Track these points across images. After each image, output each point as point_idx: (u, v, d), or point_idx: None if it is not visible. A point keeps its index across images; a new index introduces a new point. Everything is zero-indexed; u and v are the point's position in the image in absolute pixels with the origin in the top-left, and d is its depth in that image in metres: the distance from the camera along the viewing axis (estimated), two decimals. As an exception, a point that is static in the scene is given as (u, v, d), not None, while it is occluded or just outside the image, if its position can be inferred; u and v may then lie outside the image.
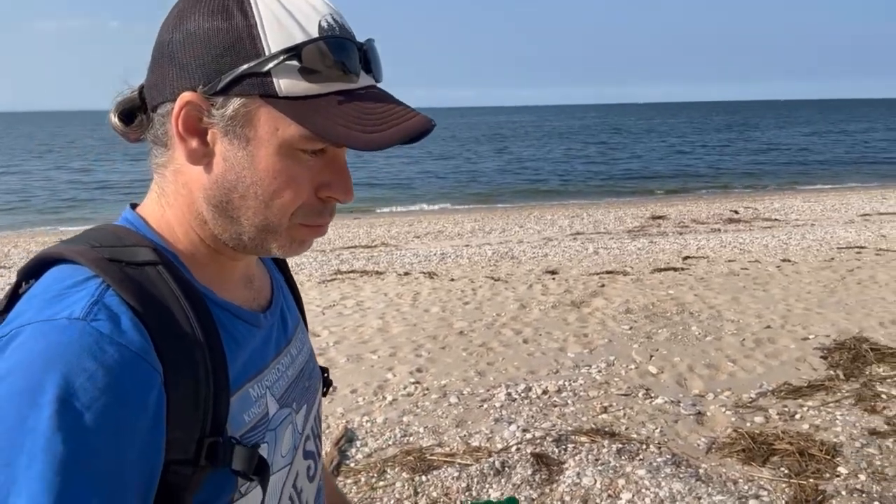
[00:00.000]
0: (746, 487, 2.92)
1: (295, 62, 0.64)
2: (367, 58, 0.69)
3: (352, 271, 8.28)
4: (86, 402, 0.56)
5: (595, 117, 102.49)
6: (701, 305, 5.98)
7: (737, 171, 24.84)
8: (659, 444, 3.32)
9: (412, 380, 4.33)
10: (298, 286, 0.98)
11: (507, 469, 2.99)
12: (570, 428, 3.48)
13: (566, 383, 4.19)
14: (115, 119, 0.75)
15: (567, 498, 2.76)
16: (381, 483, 2.98)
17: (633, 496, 2.73)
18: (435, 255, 9.36)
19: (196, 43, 0.66)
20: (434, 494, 2.87)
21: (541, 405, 3.86)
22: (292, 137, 0.66)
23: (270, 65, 0.64)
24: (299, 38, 0.64)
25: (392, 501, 2.84)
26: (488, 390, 4.10)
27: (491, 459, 3.07)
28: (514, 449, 3.22)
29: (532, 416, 3.69)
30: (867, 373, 4.23)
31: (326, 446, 3.30)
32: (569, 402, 3.91)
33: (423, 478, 2.97)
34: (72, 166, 28.96)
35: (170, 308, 0.64)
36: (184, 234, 0.73)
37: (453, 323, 5.69)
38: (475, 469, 3.00)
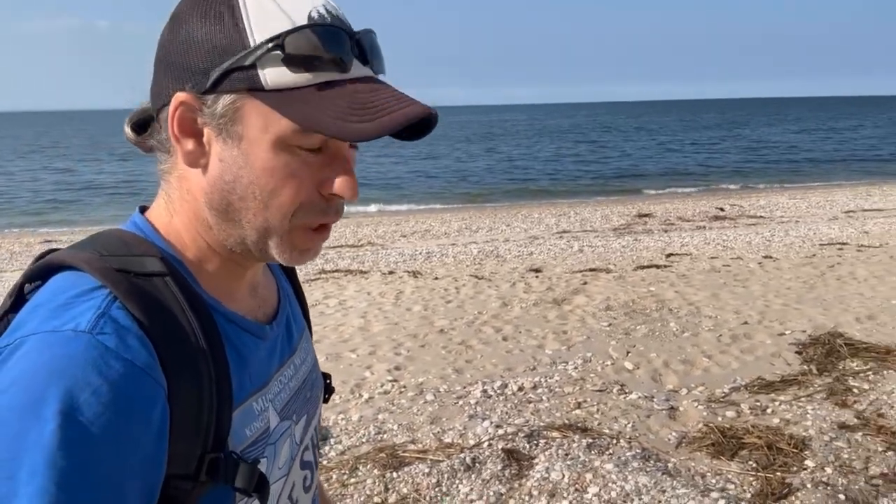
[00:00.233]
0: (714, 481, 2.95)
1: (279, 52, 0.62)
2: (361, 47, 0.66)
3: (336, 270, 8.29)
4: (89, 416, 0.55)
5: (586, 116, 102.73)
6: (681, 302, 6.02)
7: (726, 169, 24.97)
8: (630, 438, 3.36)
9: (390, 378, 4.35)
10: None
11: (477, 465, 3.02)
12: (542, 424, 3.51)
13: (542, 380, 4.21)
14: (128, 130, 0.75)
15: (535, 492, 2.79)
16: (353, 480, 3.00)
17: (600, 490, 2.75)
18: (420, 254, 9.38)
19: (187, 43, 0.65)
20: (404, 490, 2.89)
21: (516, 401, 3.88)
22: (284, 132, 0.64)
23: (254, 56, 0.63)
24: (285, 28, 0.63)
25: (362, 498, 2.85)
26: (465, 387, 4.13)
27: (462, 455, 3.10)
28: (485, 445, 3.24)
29: (506, 413, 3.71)
30: (840, 367, 4.27)
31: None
32: (543, 398, 3.94)
33: (394, 474, 2.98)
34: (57, 166, 28.81)
35: (176, 321, 0.63)
36: (191, 241, 0.72)
37: (434, 321, 5.71)
38: (446, 465, 3.02)
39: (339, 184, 0.67)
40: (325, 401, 0.94)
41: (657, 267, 7.70)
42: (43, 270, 0.66)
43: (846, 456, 3.17)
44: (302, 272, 8.24)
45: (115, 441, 0.56)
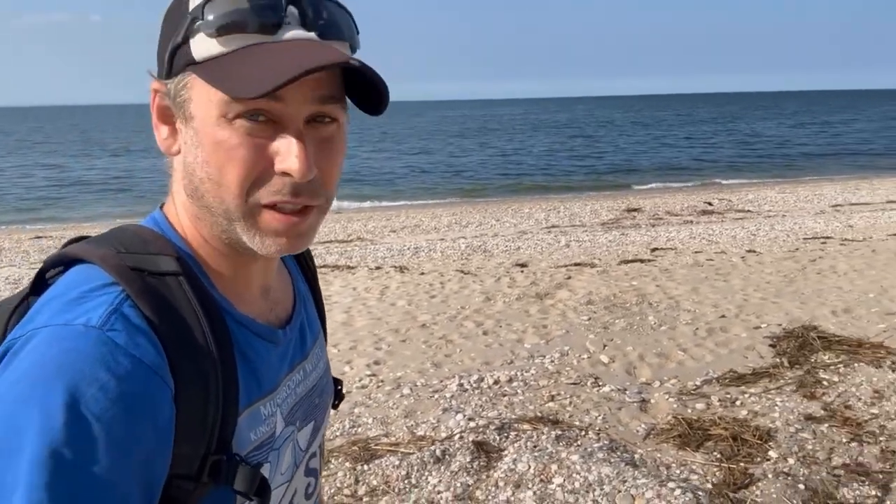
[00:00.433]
0: (678, 471, 3.01)
1: (199, 20, 0.62)
2: (303, 11, 0.64)
3: (323, 266, 8.32)
4: (96, 412, 0.55)
5: (583, 110, 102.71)
6: (661, 296, 6.09)
7: (719, 164, 25.04)
8: (599, 430, 3.42)
9: (368, 372, 4.40)
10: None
11: (447, 457, 3.07)
12: (514, 416, 3.57)
13: (518, 373, 4.27)
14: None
15: (501, 483, 2.85)
16: (324, 473, 3.05)
17: (564, 480, 2.81)
18: (408, 249, 9.43)
19: (159, 33, 0.67)
20: (374, 482, 2.94)
21: (491, 395, 3.94)
22: (220, 104, 0.62)
23: (184, 30, 0.63)
24: None
25: (332, 490, 2.91)
26: (441, 381, 4.18)
27: (433, 448, 3.15)
28: (457, 437, 3.30)
29: (480, 406, 3.77)
30: (812, 360, 4.34)
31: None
32: (518, 391, 4.00)
33: (365, 467, 3.04)
34: (48, 162, 28.77)
35: (186, 323, 0.63)
36: (193, 236, 0.71)
37: (417, 316, 5.76)
38: (416, 458, 3.08)
39: (283, 158, 0.63)
40: (335, 407, 0.94)
41: (641, 261, 7.77)
42: (63, 260, 0.67)
43: (810, 447, 3.24)
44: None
45: (119, 437, 0.56)
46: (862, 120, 52.06)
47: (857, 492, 2.88)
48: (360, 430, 3.53)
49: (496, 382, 4.12)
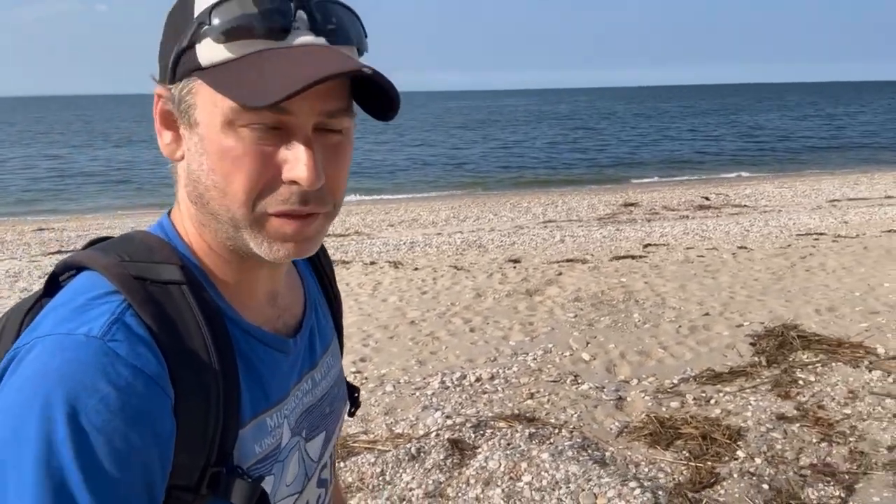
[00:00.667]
0: (646, 470, 3.08)
1: (207, 25, 0.61)
2: (311, 15, 0.63)
3: (318, 261, 8.41)
4: (96, 423, 0.55)
5: (586, 101, 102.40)
6: (648, 293, 6.14)
7: (721, 157, 25.00)
8: (573, 428, 3.49)
9: (353, 369, 4.48)
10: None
11: (422, 454, 3.15)
12: (491, 414, 3.64)
13: (500, 371, 4.34)
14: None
15: (472, 481, 2.93)
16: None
17: (532, 478, 2.89)
18: (404, 244, 9.50)
19: (164, 38, 0.66)
20: (349, 479, 3.02)
21: (471, 392, 4.02)
22: (227, 111, 0.61)
23: (190, 35, 0.62)
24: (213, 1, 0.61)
25: (309, 486, 2.99)
26: (424, 379, 4.26)
27: (409, 445, 3.23)
28: (433, 435, 3.38)
29: (460, 403, 3.85)
30: (790, 359, 4.39)
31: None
32: (499, 388, 4.07)
33: (342, 464, 3.12)
34: (52, 153, 28.89)
35: (188, 332, 0.63)
36: (197, 243, 0.71)
37: (407, 312, 5.83)
38: (391, 455, 3.15)
39: (292, 167, 0.62)
40: (352, 414, 0.92)
41: (632, 257, 7.82)
42: (73, 265, 0.68)
43: (779, 447, 3.30)
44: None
45: (120, 449, 0.56)
46: (867, 112, 51.82)
47: (822, 492, 2.94)
48: (340, 426, 3.61)
49: (478, 380, 4.20)
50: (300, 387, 0.78)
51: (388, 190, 18.04)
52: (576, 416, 3.67)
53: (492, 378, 4.23)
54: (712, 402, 3.82)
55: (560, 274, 7.07)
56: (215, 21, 0.61)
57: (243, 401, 0.68)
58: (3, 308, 5.65)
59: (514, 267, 7.54)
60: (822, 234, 8.99)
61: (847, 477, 3.04)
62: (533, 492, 2.80)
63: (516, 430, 3.36)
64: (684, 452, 3.23)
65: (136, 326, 0.61)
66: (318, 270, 0.91)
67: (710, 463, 3.13)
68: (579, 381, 4.18)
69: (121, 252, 0.67)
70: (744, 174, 20.00)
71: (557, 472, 2.89)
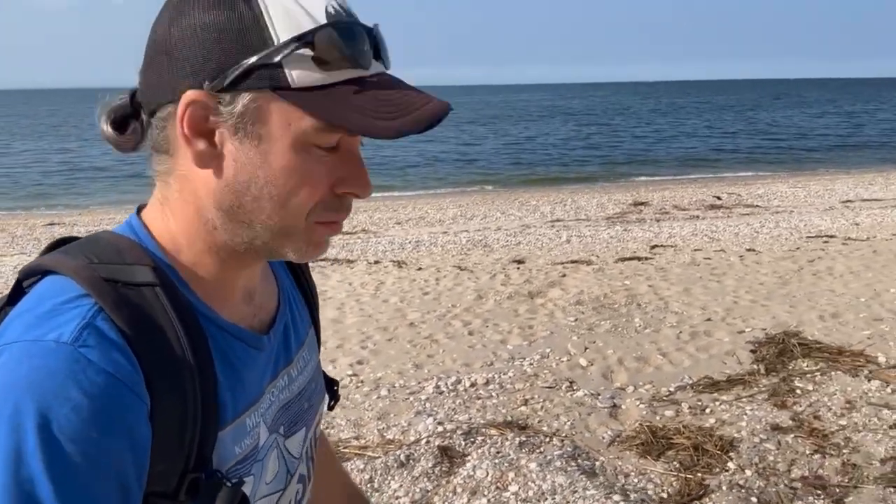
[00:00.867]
0: (636, 481, 3.07)
1: (307, 50, 0.62)
2: (376, 44, 0.66)
3: (324, 259, 8.42)
4: (68, 432, 0.54)
5: (601, 97, 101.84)
6: (651, 297, 6.11)
7: (736, 155, 24.77)
8: (565, 436, 3.48)
9: (350, 372, 4.49)
10: None
11: (411, 461, 3.16)
12: (482, 421, 3.64)
13: (496, 376, 4.34)
14: (108, 128, 0.71)
15: (459, 490, 2.93)
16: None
17: (519, 489, 2.89)
18: (410, 242, 9.50)
19: (198, 37, 0.63)
20: (338, 485, 3.03)
21: (465, 398, 4.02)
22: (306, 131, 0.63)
23: (281, 55, 0.61)
24: (308, 25, 0.62)
25: (297, 492, 3.01)
26: (419, 383, 4.26)
27: (399, 452, 3.24)
28: (423, 442, 3.38)
29: (453, 409, 3.85)
30: (790, 367, 4.35)
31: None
32: (493, 394, 4.07)
33: (331, 469, 3.13)
34: (65, 147, 29.10)
35: (163, 335, 0.62)
36: (188, 245, 0.70)
37: (407, 314, 5.84)
38: (381, 461, 3.16)
39: (356, 183, 0.68)
40: (331, 408, 0.92)
41: (638, 259, 7.78)
42: (38, 270, 0.66)
43: (771, 458, 3.28)
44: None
45: (94, 458, 0.55)
46: (887, 110, 51.12)
47: (812, 505, 2.92)
48: (332, 431, 3.62)
49: (473, 385, 4.20)
50: (276, 383, 0.78)
51: (397, 187, 18.04)
52: (569, 423, 3.66)
53: (487, 383, 4.23)
54: (707, 411, 3.79)
55: (564, 276, 7.05)
56: (317, 47, 0.62)
57: (224, 402, 0.67)
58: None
59: (518, 268, 7.52)
60: (832, 236, 8.89)
61: (838, 490, 3.01)
62: (519, 502, 2.80)
63: (507, 438, 3.35)
64: (675, 463, 3.21)
65: (108, 331, 0.59)
66: (291, 263, 0.90)
67: (699, 474, 3.11)
68: (575, 387, 4.16)
69: (89, 254, 0.65)
70: (758, 173, 19.82)
71: (544, 483, 2.89)
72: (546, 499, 2.79)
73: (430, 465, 3.11)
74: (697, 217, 11.76)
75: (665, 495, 2.94)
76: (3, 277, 7.35)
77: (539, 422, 3.68)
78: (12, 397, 0.55)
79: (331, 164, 0.66)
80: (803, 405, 3.82)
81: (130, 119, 0.71)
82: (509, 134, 36.34)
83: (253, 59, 0.61)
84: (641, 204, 13.40)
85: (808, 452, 3.32)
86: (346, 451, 3.35)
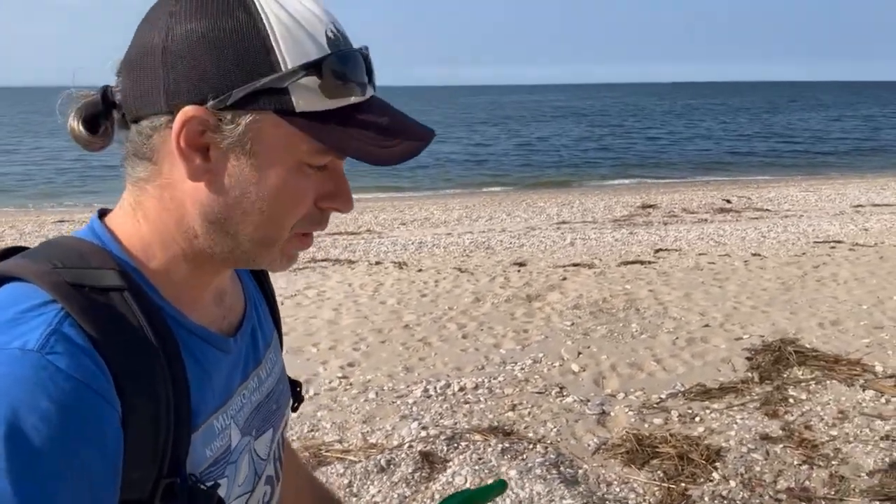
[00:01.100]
0: (618, 490, 3.03)
1: (314, 78, 0.63)
2: (369, 68, 0.68)
3: (325, 259, 8.44)
4: (37, 443, 0.53)
5: (617, 97, 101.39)
6: (651, 301, 6.05)
7: (751, 158, 24.56)
8: (550, 443, 3.44)
9: (340, 374, 4.48)
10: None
11: (391, 466, 3.13)
12: (468, 426, 3.61)
13: (486, 380, 4.31)
14: (79, 127, 0.69)
15: (437, 496, 2.90)
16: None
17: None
18: (413, 244, 9.49)
19: (200, 52, 0.62)
20: (316, 490, 3.02)
21: (453, 402, 3.99)
22: (304, 153, 0.65)
23: (289, 81, 0.62)
24: (314, 53, 0.63)
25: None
26: (408, 386, 4.24)
27: (380, 457, 3.22)
28: (406, 446, 3.36)
29: (439, 414, 3.82)
30: (785, 376, 4.29)
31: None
32: (481, 399, 4.04)
33: (311, 473, 3.11)
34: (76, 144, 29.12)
35: (133, 340, 0.61)
36: (161, 250, 0.69)
37: (403, 316, 5.82)
38: (361, 466, 3.14)
39: (340, 199, 0.70)
40: (294, 409, 0.92)
41: (641, 263, 7.72)
42: None
43: (758, 469, 3.22)
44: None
45: (64, 469, 0.53)
46: (905, 113, 50.49)
47: (796, 517, 2.87)
48: (317, 434, 3.61)
49: (461, 389, 4.17)
50: (247, 385, 0.78)
51: (404, 187, 18.05)
52: (555, 430, 3.62)
53: (476, 388, 4.20)
54: (697, 419, 3.74)
55: (564, 279, 7.00)
56: (325, 75, 0.63)
57: (193, 404, 0.66)
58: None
59: (519, 270, 7.48)
60: (839, 241, 8.78)
61: (823, 502, 2.96)
62: (495, 510, 2.77)
63: (489, 445, 3.32)
64: (659, 472, 3.17)
65: (76, 337, 0.58)
66: (256, 272, 0.91)
67: (683, 484, 3.07)
68: (564, 393, 4.12)
69: (52, 258, 0.64)
70: (771, 176, 19.63)
71: (522, 491, 2.86)
72: (523, 507, 2.76)
73: (410, 470, 3.09)
74: (706, 220, 11.65)
75: (645, 505, 2.90)
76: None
77: (525, 428, 3.65)
78: None
79: (317, 181, 0.68)
80: (795, 414, 3.76)
81: (101, 118, 0.69)
82: (521, 135, 36.25)
83: (261, 83, 0.62)
84: (650, 207, 13.31)
85: (795, 463, 3.27)
86: (328, 454, 3.33)
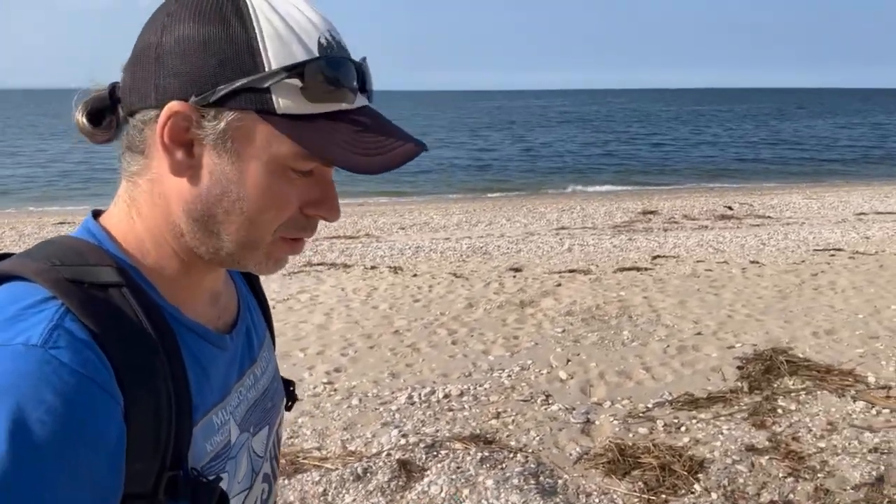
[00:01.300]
0: (597, 501, 2.98)
1: (296, 80, 0.63)
2: (363, 77, 0.68)
3: (321, 263, 8.40)
4: (43, 436, 0.53)
5: (621, 103, 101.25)
6: (644, 309, 5.99)
7: (757, 165, 24.44)
8: (531, 452, 3.39)
9: (325, 380, 4.44)
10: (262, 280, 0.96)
11: (368, 475, 3.09)
12: (448, 434, 3.56)
13: (472, 387, 4.26)
14: (82, 119, 0.71)
15: (411, 506, 2.86)
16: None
17: (472, 507, 2.81)
18: (410, 248, 9.45)
19: (190, 50, 0.64)
20: (291, 498, 2.98)
21: (437, 409, 3.94)
22: (285, 155, 0.65)
23: (271, 81, 0.63)
24: (301, 56, 0.63)
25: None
26: (393, 393, 4.20)
27: (357, 465, 3.17)
28: (384, 454, 3.31)
29: (421, 421, 3.77)
30: (775, 385, 4.23)
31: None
32: (466, 406, 3.99)
33: (286, 481, 3.08)
34: (82, 146, 29.14)
35: (133, 334, 0.62)
36: (154, 247, 0.70)
37: (394, 321, 5.78)
38: (337, 474, 3.10)
39: (325, 207, 0.70)
40: (288, 409, 0.93)
41: (638, 269, 7.66)
42: None
43: (741, 481, 3.16)
44: (287, 264, 8.38)
45: (69, 461, 0.54)
46: (913, 120, 50.23)
47: (778, 532, 2.81)
48: (296, 441, 3.57)
49: (446, 396, 4.12)
50: (243, 382, 0.79)
51: (407, 192, 18.02)
52: (537, 439, 3.57)
53: (461, 395, 4.15)
54: (682, 429, 3.68)
55: (559, 285, 6.95)
56: (307, 79, 0.63)
57: (193, 398, 0.67)
58: None
59: (514, 276, 7.43)
60: (839, 249, 8.70)
61: (807, 517, 2.90)
62: (469, 521, 2.72)
63: (469, 453, 3.27)
64: (639, 483, 3.11)
65: (77, 331, 0.59)
66: (246, 275, 0.92)
67: (663, 496, 3.01)
68: (550, 401, 4.07)
69: (50, 257, 0.65)
70: (776, 183, 19.52)
71: (497, 501, 2.81)
72: (496, 518, 2.71)
73: (386, 479, 3.04)
74: (706, 227, 11.58)
75: (624, 517, 2.84)
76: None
77: (507, 436, 3.60)
78: None
79: (302, 187, 0.68)
80: (783, 425, 3.70)
81: (107, 112, 0.71)
82: (525, 140, 36.21)
83: (243, 81, 0.63)
84: (651, 213, 13.24)
85: (780, 475, 3.21)
86: (306, 461, 3.29)
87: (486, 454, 3.28)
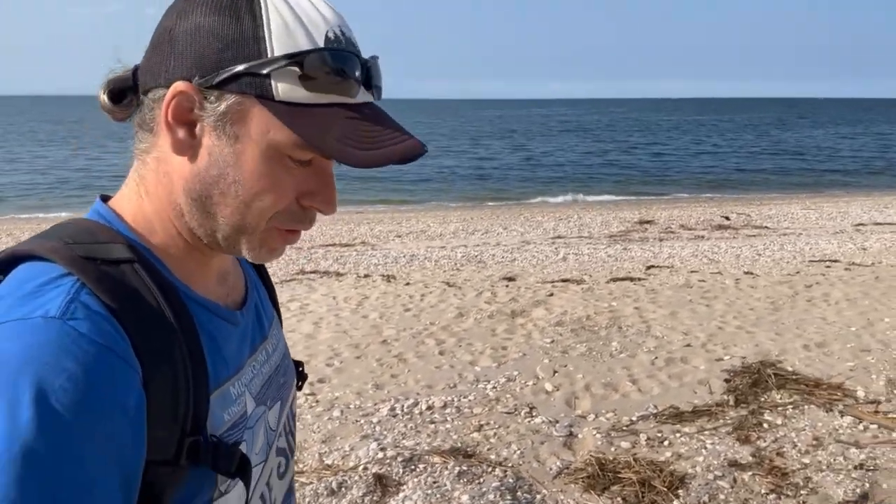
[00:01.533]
0: (574, 517, 2.93)
1: (296, 68, 0.64)
2: (369, 74, 0.69)
3: (314, 272, 8.38)
4: (66, 403, 0.55)
5: (625, 112, 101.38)
6: (635, 319, 5.95)
7: (757, 175, 24.39)
8: (510, 466, 3.34)
9: (308, 391, 4.39)
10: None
11: (342, 489, 3.05)
12: (427, 448, 3.52)
13: (455, 399, 4.21)
14: (104, 96, 0.74)
15: (385, 521, 2.81)
16: (220, 498, 3.05)
17: (445, 523, 2.76)
18: (404, 256, 9.42)
19: (199, 34, 0.66)
20: (263, 512, 2.93)
21: (418, 422, 3.90)
22: (282, 142, 0.66)
23: (271, 67, 0.64)
24: (304, 45, 0.65)
25: (220, 517, 2.91)
26: (375, 405, 4.15)
27: (332, 479, 3.13)
28: (361, 468, 3.27)
29: (402, 434, 3.73)
30: (762, 399, 4.18)
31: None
32: (448, 418, 3.95)
33: (260, 494, 3.03)
34: (85, 153, 29.48)
35: (147, 306, 0.64)
36: (161, 227, 0.72)
37: (383, 331, 5.74)
38: (311, 489, 3.06)
39: (321, 199, 0.71)
40: (299, 388, 0.96)
41: (631, 280, 7.61)
42: (6, 262, 0.66)
43: (722, 497, 3.11)
44: (280, 272, 8.36)
45: (92, 428, 0.56)
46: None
47: (758, 550, 2.76)
48: (274, 453, 3.52)
49: (429, 408, 4.08)
50: (256, 357, 0.81)
51: (406, 200, 18.00)
52: (518, 452, 3.52)
53: (444, 406, 4.11)
54: (665, 443, 3.63)
55: (551, 295, 6.91)
56: (306, 68, 0.64)
57: (209, 370, 0.68)
58: None
59: (507, 286, 7.39)
60: (835, 260, 8.64)
61: (788, 536, 2.85)
62: (441, 537, 2.68)
63: (447, 468, 3.23)
64: (618, 499, 3.06)
65: (94, 304, 0.61)
66: None
67: (642, 513, 2.97)
68: (534, 413, 4.02)
69: (63, 237, 0.67)
70: (776, 193, 19.47)
71: (471, 517, 2.76)
72: (469, 535, 2.67)
73: (360, 493, 3.00)
74: (702, 237, 11.53)
75: (601, 534, 2.80)
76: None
77: (488, 449, 3.55)
78: (6, 375, 0.55)
79: (300, 177, 0.69)
80: (768, 440, 3.65)
81: (129, 91, 0.74)
82: (525, 149, 36.23)
83: (245, 65, 0.64)
84: (647, 222, 13.20)
85: (763, 492, 3.16)
86: (281, 474, 3.24)
87: (465, 468, 3.23)
